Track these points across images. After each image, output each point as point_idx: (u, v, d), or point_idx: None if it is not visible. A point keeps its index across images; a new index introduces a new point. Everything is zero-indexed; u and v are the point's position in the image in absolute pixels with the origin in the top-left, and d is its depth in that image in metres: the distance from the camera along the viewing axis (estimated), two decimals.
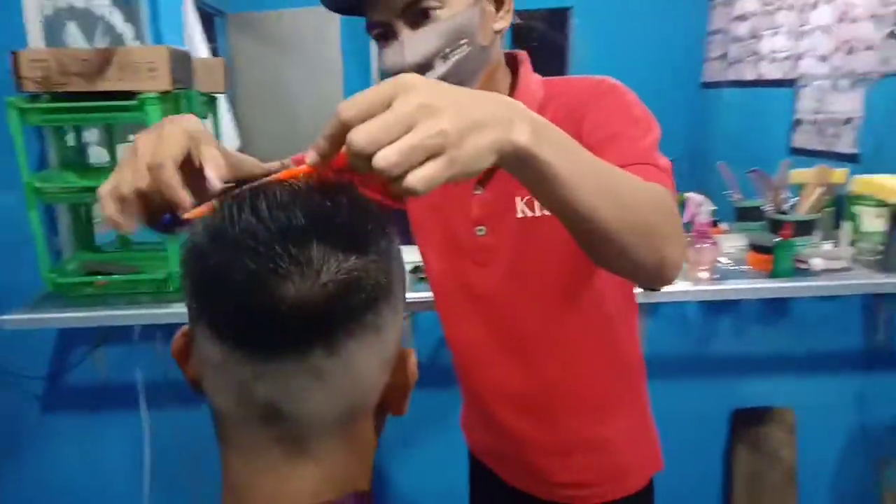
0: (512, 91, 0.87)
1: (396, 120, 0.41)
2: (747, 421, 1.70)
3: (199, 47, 2.83)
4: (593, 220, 0.54)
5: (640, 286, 0.95)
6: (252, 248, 0.42)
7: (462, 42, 0.78)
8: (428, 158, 0.41)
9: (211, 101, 1.71)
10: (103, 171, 1.64)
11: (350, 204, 0.45)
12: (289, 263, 0.41)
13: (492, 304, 0.91)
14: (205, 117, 1.70)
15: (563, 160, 0.49)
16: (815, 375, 1.68)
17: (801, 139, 2.71)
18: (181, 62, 1.39)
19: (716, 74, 3.46)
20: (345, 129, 0.42)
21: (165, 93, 1.33)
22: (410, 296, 1.25)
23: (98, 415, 1.64)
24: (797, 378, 1.68)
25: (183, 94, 1.43)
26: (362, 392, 0.48)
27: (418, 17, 0.77)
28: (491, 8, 0.81)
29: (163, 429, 1.61)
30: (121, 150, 1.71)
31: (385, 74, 0.82)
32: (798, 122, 2.74)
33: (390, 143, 0.40)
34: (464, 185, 0.87)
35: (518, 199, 0.85)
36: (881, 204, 1.45)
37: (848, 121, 2.46)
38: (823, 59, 2.66)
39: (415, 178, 0.41)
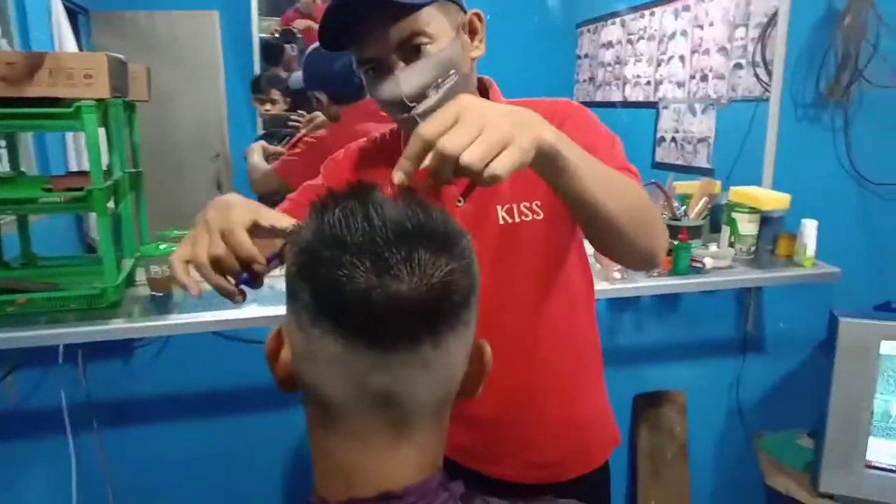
0: None
1: (469, 128, 0.54)
2: (647, 404, 1.91)
3: (68, 47, 2.64)
4: (600, 210, 0.69)
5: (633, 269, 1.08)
6: (371, 253, 0.48)
7: (451, 72, 0.87)
8: (498, 153, 0.54)
9: (132, 110, 1.64)
10: (4, 181, 1.52)
11: (439, 212, 0.53)
12: (403, 266, 0.48)
13: None
14: (129, 126, 1.62)
15: (578, 159, 0.64)
16: (702, 361, 1.93)
17: (663, 155, 3.07)
18: (118, 70, 1.34)
19: (585, 95, 3.79)
20: (427, 146, 0.54)
21: (101, 100, 1.27)
22: None
23: (16, 442, 1.51)
24: (687, 364, 1.92)
25: (112, 102, 1.38)
26: (454, 380, 0.56)
27: (411, 52, 0.86)
28: (467, 39, 0.91)
29: (89, 454, 1.51)
30: (25, 159, 1.58)
31: (381, 103, 0.91)
32: (661, 140, 3.10)
33: (470, 145, 0.53)
34: (446, 200, 0.96)
35: (499, 208, 0.95)
36: (754, 211, 1.72)
37: (703, 139, 2.83)
38: (680, 84, 3.03)
39: (498, 165, 0.55)
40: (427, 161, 0.55)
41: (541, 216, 0.94)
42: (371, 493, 0.54)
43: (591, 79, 3.74)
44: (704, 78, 2.86)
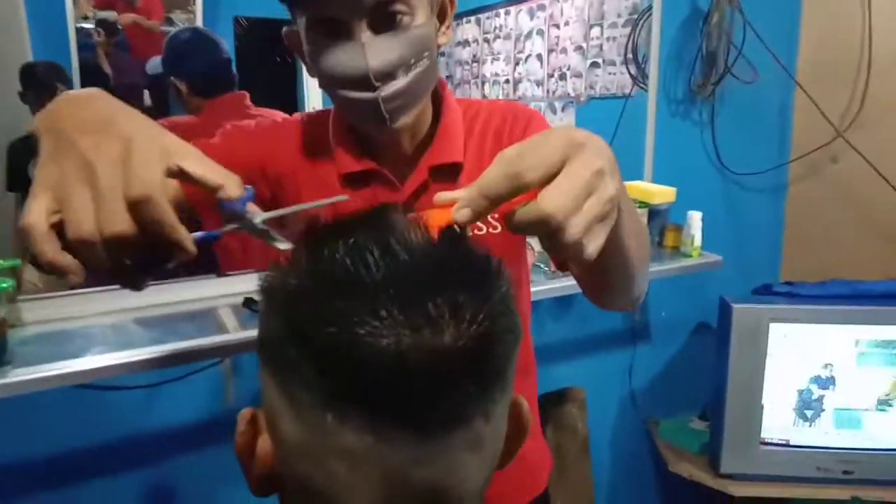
0: (438, 108, 0.85)
1: (581, 189, 0.40)
2: (552, 402, 1.89)
3: None
4: (626, 256, 0.58)
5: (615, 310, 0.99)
6: (402, 300, 0.35)
7: (425, 54, 0.75)
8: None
9: None
10: None
11: (472, 248, 0.40)
12: (447, 318, 0.35)
13: None
14: None
15: (626, 207, 0.52)
16: (597, 356, 1.95)
17: None
18: None
19: None
20: (521, 189, 0.40)
21: None
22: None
23: None
24: (584, 360, 1.92)
25: None
26: (499, 452, 0.44)
27: (385, 21, 0.71)
28: (437, 23, 0.78)
29: None
30: None
31: (333, 77, 0.74)
32: None
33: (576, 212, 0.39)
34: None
35: None
36: (643, 205, 1.74)
37: None
38: (539, 83, 3.09)
39: (594, 248, 0.42)
40: (523, 216, 0.40)
41: (498, 229, 0.84)
42: None
43: (449, 77, 3.71)
44: (563, 76, 2.93)
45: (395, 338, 0.33)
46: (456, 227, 0.39)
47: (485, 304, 0.36)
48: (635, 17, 2.43)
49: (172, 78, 1.74)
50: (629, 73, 2.15)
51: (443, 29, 0.80)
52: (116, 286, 1.29)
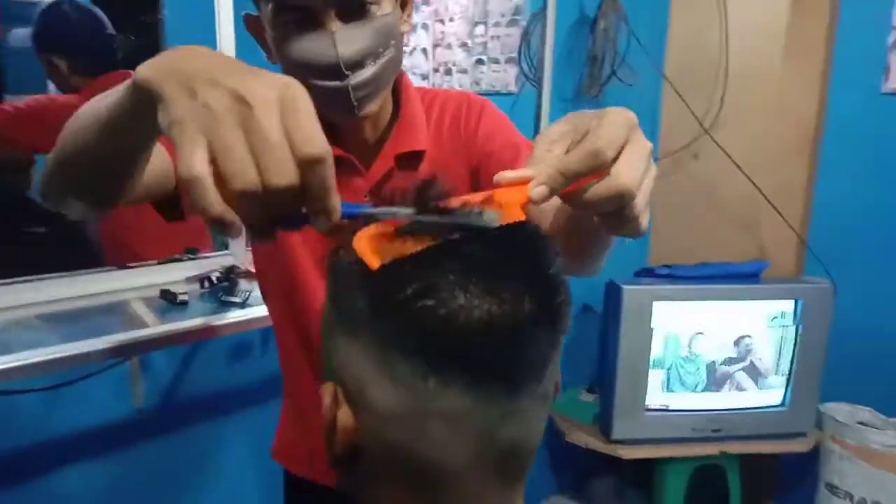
0: (397, 95, 0.88)
1: (645, 166, 0.44)
2: None
3: None
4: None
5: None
6: (491, 274, 0.40)
7: (391, 43, 0.78)
8: None
9: None
10: None
11: (532, 225, 0.45)
12: (529, 286, 0.41)
13: None
14: None
15: None
16: None
17: None
18: None
19: None
20: (600, 167, 0.42)
21: None
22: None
23: None
24: None
25: None
26: None
27: (354, 10, 0.73)
28: (400, 11, 0.81)
29: None
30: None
31: (302, 65, 0.75)
32: None
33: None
34: (353, 194, 0.86)
35: None
36: None
37: None
38: (425, 77, 3.15)
39: (646, 220, 0.46)
40: (600, 191, 0.42)
41: None
42: None
43: None
44: (448, 72, 3.02)
45: (485, 308, 0.38)
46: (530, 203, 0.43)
47: (551, 277, 0.42)
48: (518, 17, 2.56)
49: (47, 54, 1.60)
50: (522, 71, 2.28)
51: (404, 17, 0.82)
52: (11, 280, 1.18)
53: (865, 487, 1.76)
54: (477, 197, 0.43)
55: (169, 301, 1.26)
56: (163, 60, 0.41)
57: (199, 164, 0.35)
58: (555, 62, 2.03)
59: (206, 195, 0.35)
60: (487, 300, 0.38)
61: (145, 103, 0.41)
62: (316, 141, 0.37)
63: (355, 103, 0.76)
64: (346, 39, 0.72)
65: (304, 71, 0.75)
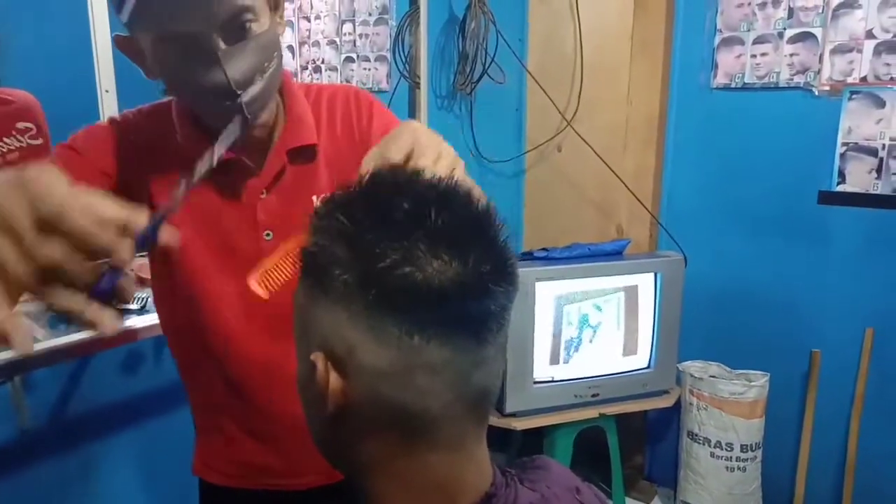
0: (281, 93, 0.90)
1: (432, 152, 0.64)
2: None
3: None
4: None
5: None
6: (458, 241, 0.48)
7: (275, 54, 0.81)
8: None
9: None
10: None
11: (485, 204, 0.53)
12: (491, 251, 0.50)
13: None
14: None
15: None
16: None
17: None
18: None
19: None
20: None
21: None
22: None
23: None
24: None
25: None
26: None
27: (236, 31, 0.76)
28: (275, 17, 0.84)
29: None
30: None
31: (191, 89, 0.78)
32: None
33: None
34: (250, 192, 0.88)
35: (315, 198, 0.91)
36: None
37: None
38: (294, 75, 3.11)
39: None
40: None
41: None
42: (474, 499, 0.51)
43: None
44: (318, 69, 3.01)
45: (456, 270, 0.45)
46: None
47: (503, 243, 0.50)
48: (386, 16, 2.63)
49: None
50: (397, 69, 2.34)
51: (277, 18, 0.83)
52: None
53: (719, 432, 2.02)
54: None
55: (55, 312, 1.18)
56: None
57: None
58: (429, 60, 2.11)
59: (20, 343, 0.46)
60: (455, 264, 0.45)
61: None
62: (69, 217, 0.45)
63: (249, 117, 0.78)
64: (232, 61, 0.74)
65: (192, 93, 0.77)
